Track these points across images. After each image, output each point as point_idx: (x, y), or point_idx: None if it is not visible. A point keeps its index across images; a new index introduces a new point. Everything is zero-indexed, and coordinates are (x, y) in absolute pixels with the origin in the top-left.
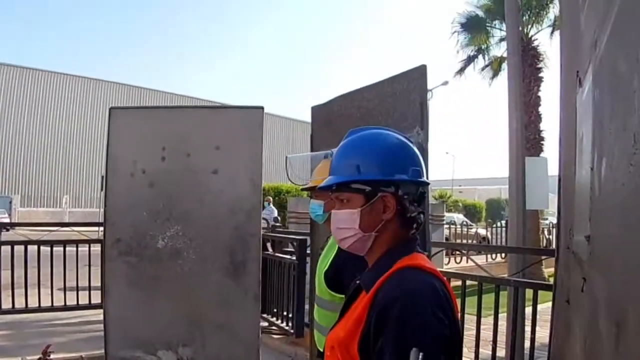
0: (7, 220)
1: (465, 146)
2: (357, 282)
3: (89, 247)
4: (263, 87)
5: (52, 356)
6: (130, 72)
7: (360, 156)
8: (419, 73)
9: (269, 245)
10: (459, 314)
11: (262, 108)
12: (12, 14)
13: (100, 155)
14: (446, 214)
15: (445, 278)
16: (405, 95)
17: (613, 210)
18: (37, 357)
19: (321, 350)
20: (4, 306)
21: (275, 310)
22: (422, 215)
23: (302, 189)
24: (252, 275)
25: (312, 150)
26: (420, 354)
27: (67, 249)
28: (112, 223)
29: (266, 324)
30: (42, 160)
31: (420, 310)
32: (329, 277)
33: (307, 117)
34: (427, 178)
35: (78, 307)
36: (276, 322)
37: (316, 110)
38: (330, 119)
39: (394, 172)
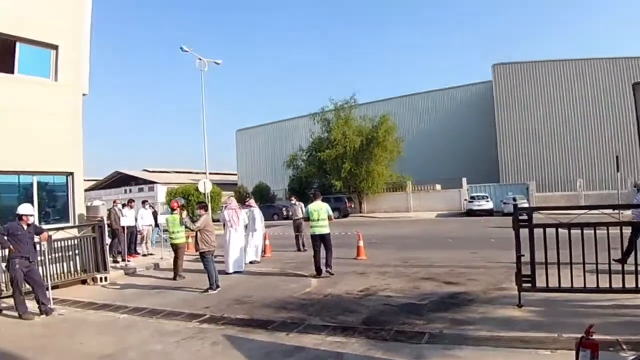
0: (526, 205)
1: None
2: None
3: (621, 230)
4: None
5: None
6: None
7: None
8: None
9: None
10: None
11: None
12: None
13: (607, 135)
14: None
15: None
16: None
17: None
18: (580, 335)
19: None
20: (538, 284)
21: None
22: None
23: None
24: None
25: None
26: None
27: (596, 231)
28: None
29: None
30: (554, 146)
31: None
32: None
33: None
34: None
35: (611, 290)
36: None
37: None
38: None
39: None
